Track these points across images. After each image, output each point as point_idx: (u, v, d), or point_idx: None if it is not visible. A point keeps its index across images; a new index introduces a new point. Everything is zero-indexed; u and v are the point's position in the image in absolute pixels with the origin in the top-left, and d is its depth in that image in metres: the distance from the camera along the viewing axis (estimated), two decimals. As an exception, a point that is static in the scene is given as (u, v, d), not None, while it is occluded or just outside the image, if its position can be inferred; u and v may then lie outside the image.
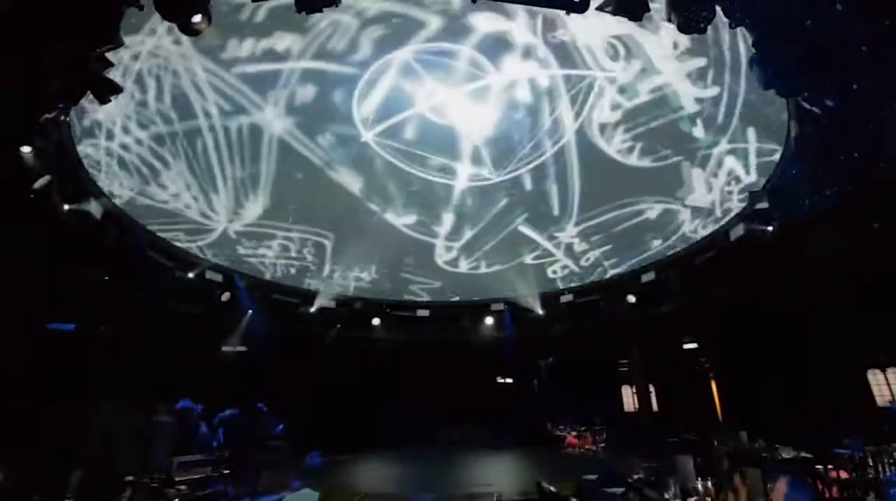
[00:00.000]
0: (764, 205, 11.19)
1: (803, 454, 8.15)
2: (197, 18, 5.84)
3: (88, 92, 6.54)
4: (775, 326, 12.12)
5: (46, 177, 8.78)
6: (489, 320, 19.04)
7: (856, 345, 11.25)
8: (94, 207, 10.79)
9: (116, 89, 6.69)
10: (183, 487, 8.56)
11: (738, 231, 12.47)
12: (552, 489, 7.12)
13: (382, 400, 18.05)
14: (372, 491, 9.76)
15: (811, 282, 10.85)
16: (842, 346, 11.23)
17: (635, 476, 7.63)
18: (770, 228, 11.25)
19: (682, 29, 6.25)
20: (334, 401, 16.78)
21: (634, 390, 18.04)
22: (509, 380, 20.59)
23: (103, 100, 6.63)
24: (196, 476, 9.33)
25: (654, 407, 17.05)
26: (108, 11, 6.09)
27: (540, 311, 18.16)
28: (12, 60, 6.18)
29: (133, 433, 10.49)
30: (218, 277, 14.92)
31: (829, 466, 7.19)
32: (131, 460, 9.00)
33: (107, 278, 11.68)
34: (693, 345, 16.27)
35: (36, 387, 9.58)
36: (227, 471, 10.06)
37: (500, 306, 18.97)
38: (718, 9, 6.22)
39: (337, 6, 6.09)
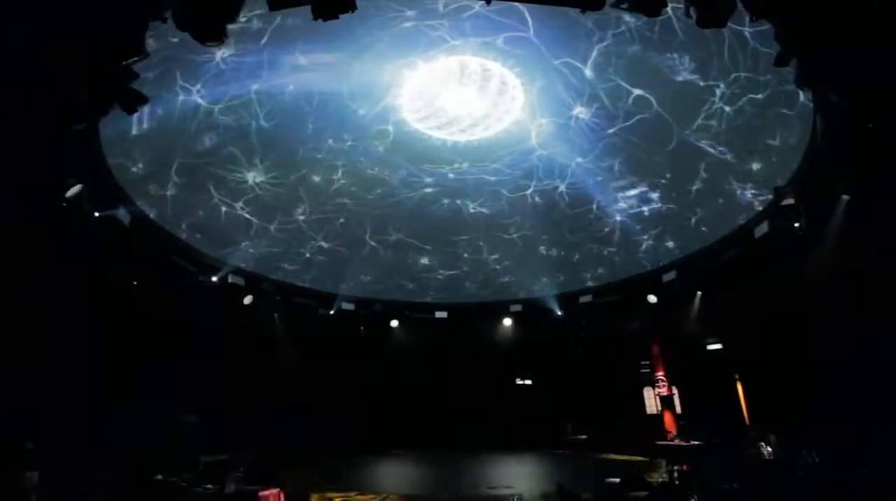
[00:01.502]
0: (790, 201, 10.87)
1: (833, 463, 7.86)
2: (212, 44, 6.01)
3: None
4: (806, 325, 11.72)
5: (78, 186, 9.13)
6: (507, 321, 18.95)
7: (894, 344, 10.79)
8: (123, 214, 11.19)
9: (143, 100, 6.91)
10: (209, 486, 8.74)
11: (763, 228, 12.15)
12: (573, 491, 7.04)
13: (402, 401, 18.15)
14: (393, 492, 9.81)
15: (845, 279, 10.46)
16: (879, 345, 10.78)
17: (659, 480, 7.49)
18: (797, 225, 10.92)
19: (702, 23, 6.13)
20: (354, 403, 16.94)
21: (657, 392, 17.69)
22: (528, 382, 20.44)
23: (130, 110, 6.86)
24: (222, 476, 9.52)
25: (678, 409, 16.69)
26: (133, 24, 6.30)
27: (559, 312, 18.02)
28: (43, 73, 6.45)
29: (161, 432, 10.80)
30: (240, 281, 15.25)
31: (867, 475, 6.92)
32: (160, 459, 9.25)
33: (135, 282, 12.06)
34: (717, 346, 15.87)
35: (68, 389, 9.92)
36: (252, 470, 10.23)
37: (519, 307, 18.88)
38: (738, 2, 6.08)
39: (353, 12, 6.16)
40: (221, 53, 9.86)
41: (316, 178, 13.47)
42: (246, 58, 10.07)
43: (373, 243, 15.84)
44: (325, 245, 15.64)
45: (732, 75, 10.02)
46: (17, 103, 6.73)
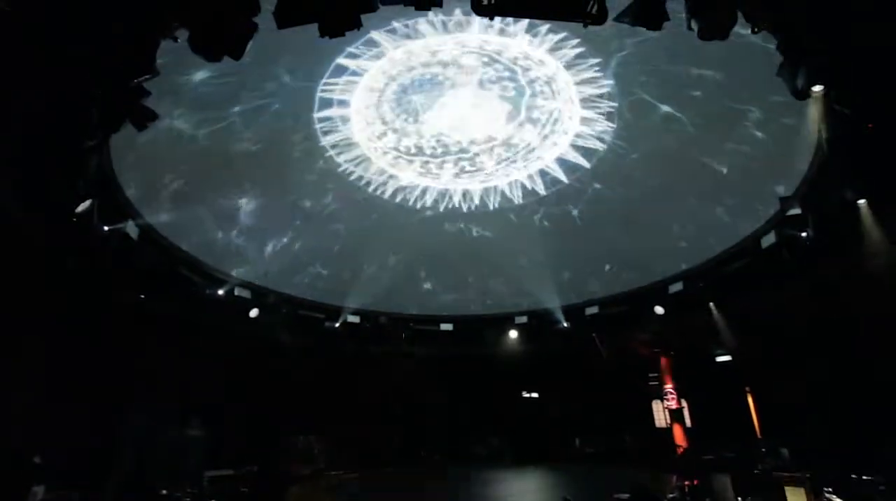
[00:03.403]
0: (796, 210, 10.82)
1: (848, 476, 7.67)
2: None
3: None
4: (817, 336, 11.54)
5: (88, 201, 9.26)
6: (513, 333, 18.81)
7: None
8: (131, 228, 11.30)
9: (153, 116, 7.04)
10: (214, 501, 8.68)
11: (770, 238, 12.09)
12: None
13: (407, 414, 17.99)
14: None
15: (857, 288, 10.31)
16: (891, 355, 10.58)
17: (669, 496, 7.34)
18: (804, 234, 10.85)
19: (703, 36, 6.18)
20: (359, 417, 16.81)
21: (666, 405, 17.41)
22: (535, 395, 20.21)
23: (141, 127, 6.98)
24: (226, 491, 9.46)
25: (688, 422, 16.41)
26: (145, 43, 6.45)
27: (565, 323, 17.87)
28: (57, 91, 6.60)
29: (166, 447, 10.76)
30: (246, 294, 15.28)
31: (882, 487, 6.75)
32: (165, 474, 9.20)
33: (142, 296, 12.12)
34: (727, 358, 15.64)
35: (74, 403, 9.93)
36: (255, 485, 10.16)
37: (524, 319, 18.75)
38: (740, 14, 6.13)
39: (359, 29, 6.29)
40: (200, 76, 9.49)
41: (307, 203, 13.12)
42: (225, 79, 9.61)
43: (371, 270, 15.50)
44: (323, 272, 15.38)
45: (764, 96, 9.66)
46: (27, 119, 6.88)
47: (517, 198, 13.58)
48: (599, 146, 11.87)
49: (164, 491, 8.35)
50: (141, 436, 10.69)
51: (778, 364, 12.98)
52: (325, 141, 11.78)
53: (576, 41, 9.92)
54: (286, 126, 11.20)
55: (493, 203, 13.80)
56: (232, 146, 11.13)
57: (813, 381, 11.77)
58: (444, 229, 14.62)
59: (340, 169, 12.44)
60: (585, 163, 12.38)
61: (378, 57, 10.49)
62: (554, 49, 10.29)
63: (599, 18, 6.16)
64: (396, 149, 12.39)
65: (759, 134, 10.55)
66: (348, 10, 6.03)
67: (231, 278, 14.79)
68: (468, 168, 12.93)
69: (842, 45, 6.14)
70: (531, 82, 11.04)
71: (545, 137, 12.08)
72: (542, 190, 13.28)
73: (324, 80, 10.51)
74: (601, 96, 10.86)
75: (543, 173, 12.88)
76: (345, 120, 11.52)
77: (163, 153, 10.58)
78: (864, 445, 8.91)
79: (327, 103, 11.04)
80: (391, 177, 12.96)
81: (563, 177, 12.85)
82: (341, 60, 10.23)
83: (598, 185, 12.77)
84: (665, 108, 10.72)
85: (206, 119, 10.42)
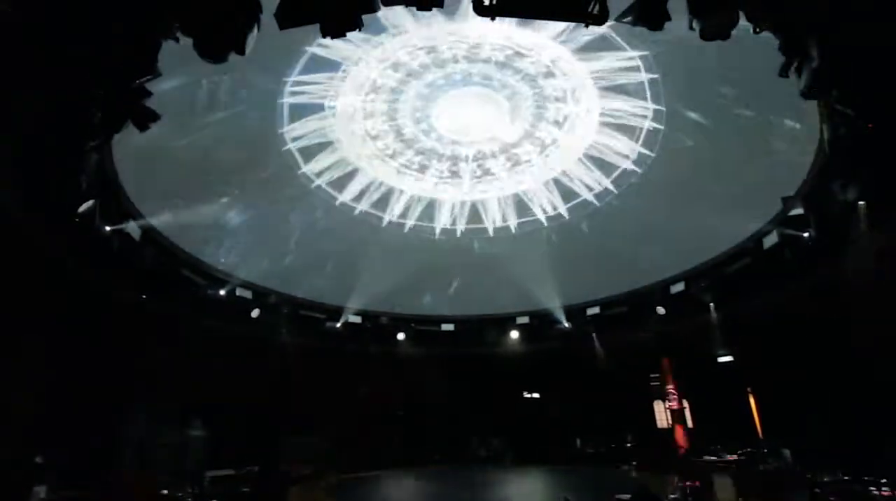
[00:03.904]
0: (798, 210, 10.81)
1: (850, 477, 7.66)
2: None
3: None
4: (819, 336, 11.52)
5: (91, 202, 9.26)
6: (514, 333, 18.80)
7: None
8: (133, 228, 11.29)
9: (155, 117, 7.04)
10: (214, 501, 8.68)
11: (772, 238, 12.07)
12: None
13: (408, 415, 17.99)
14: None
15: (856, 289, 10.31)
16: (892, 355, 10.57)
17: (671, 497, 7.34)
18: (805, 234, 10.84)
19: (705, 36, 6.17)
20: (360, 417, 16.81)
21: (667, 406, 17.37)
22: (536, 395, 20.19)
23: (142, 128, 6.98)
24: (227, 491, 9.45)
25: (689, 423, 16.40)
26: (146, 44, 6.45)
27: (566, 324, 17.88)
28: (59, 92, 6.60)
29: (166, 447, 10.76)
30: (248, 294, 15.28)
31: (885, 488, 6.74)
32: (165, 473, 9.20)
33: (144, 296, 12.12)
34: (728, 359, 15.62)
35: (76, 404, 9.93)
36: (255, 485, 10.15)
37: (526, 319, 18.75)
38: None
39: (360, 30, 6.28)
40: (178, 82, 9.12)
41: (295, 219, 12.91)
42: (207, 84, 9.44)
43: (365, 282, 15.37)
44: (321, 283, 15.26)
45: (767, 97, 9.50)
46: (27, 119, 6.88)
47: (531, 207, 13.38)
48: (619, 160, 11.74)
49: (165, 491, 8.34)
50: (141, 436, 10.70)
51: (778, 364, 12.97)
52: (319, 156, 11.57)
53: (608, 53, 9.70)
54: (271, 136, 10.93)
55: (502, 212, 13.66)
56: (215, 155, 10.91)
57: (813, 381, 11.76)
58: (447, 238, 14.44)
59: (327, 185, 12.17)
60: (601, 176, 12.24)
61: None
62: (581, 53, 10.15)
63: (600, 18, 6.14)
64: (393, 155, 12.19)
65: (765, 134, 10.52)
66: (349, 10, 6.03)
67: (232, 278, 14.79)
68: (484, 180, 12.68)
69: (842, 45, 6.14)
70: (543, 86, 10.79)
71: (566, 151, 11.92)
72: (559, 202, 13.02)
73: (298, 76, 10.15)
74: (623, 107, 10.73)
75: (558, 183, 12.71)
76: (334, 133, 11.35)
77: (144, 164, 10.33)
78: (864, 445, 8.90)
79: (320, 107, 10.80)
80: (399, 190, 12.72)
81: (576, 188, 12.64)
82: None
83: (613, 201, 12.57)
84: (693, 115, 10.58)
85: (186, 127, 10.15)
